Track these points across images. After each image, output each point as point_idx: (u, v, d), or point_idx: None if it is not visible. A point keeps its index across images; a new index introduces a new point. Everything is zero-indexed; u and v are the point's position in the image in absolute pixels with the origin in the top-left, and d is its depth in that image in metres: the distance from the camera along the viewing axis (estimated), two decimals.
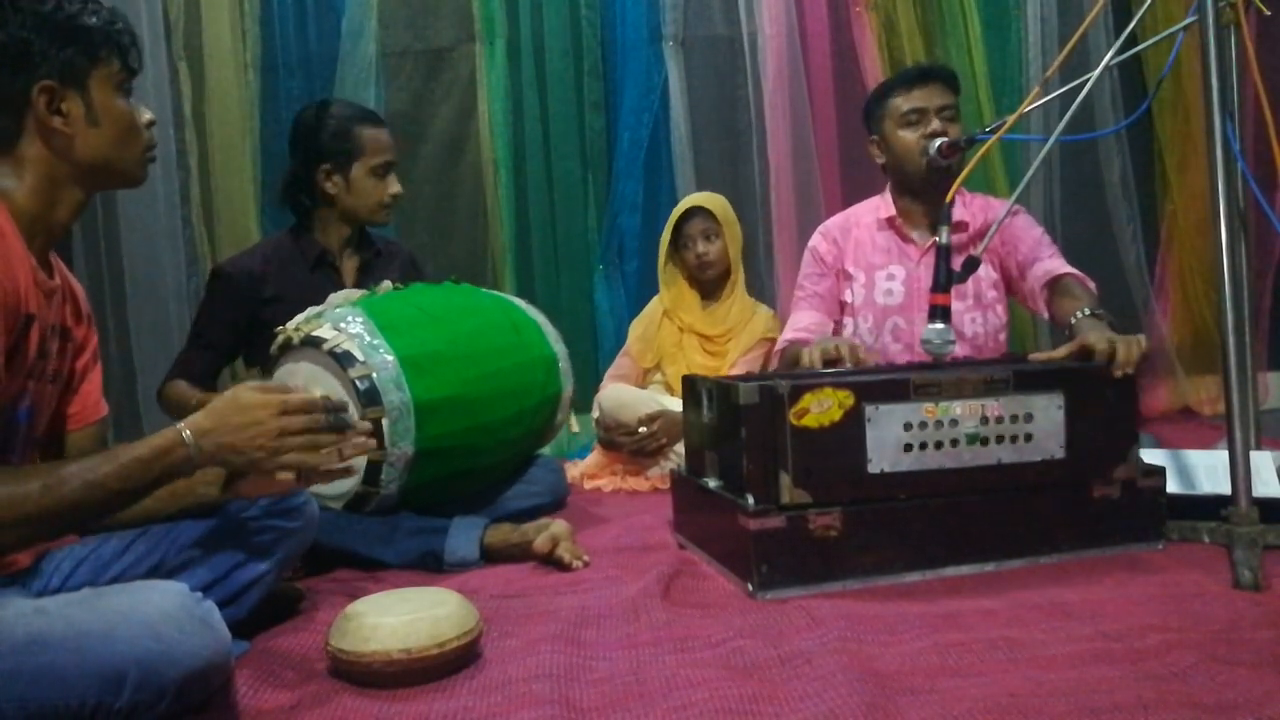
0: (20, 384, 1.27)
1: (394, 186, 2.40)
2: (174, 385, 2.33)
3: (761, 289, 3.28)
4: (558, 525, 1.91)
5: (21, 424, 1.29)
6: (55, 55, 1.26)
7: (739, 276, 2.97)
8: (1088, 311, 1.98)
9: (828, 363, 2.01)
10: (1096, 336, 1.79)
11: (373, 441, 1.43)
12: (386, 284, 2.19)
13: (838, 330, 2.48)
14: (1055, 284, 2.20)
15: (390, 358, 1.90)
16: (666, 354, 2.95)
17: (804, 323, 2.46)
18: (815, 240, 2.53)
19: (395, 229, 3.28)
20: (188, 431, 1.25)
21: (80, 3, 1.30)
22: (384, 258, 2.49)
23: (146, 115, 1.38)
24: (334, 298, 2.08)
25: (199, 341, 2.38)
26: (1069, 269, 2.23)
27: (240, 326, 2.34)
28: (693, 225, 2.89)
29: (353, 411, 1.83)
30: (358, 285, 2.35)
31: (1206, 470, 1.86)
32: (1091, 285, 2.20)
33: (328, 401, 1.35)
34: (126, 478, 1.21)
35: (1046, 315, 2.27)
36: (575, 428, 3.20)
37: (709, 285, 2.97)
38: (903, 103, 2.33)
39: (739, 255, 2.97)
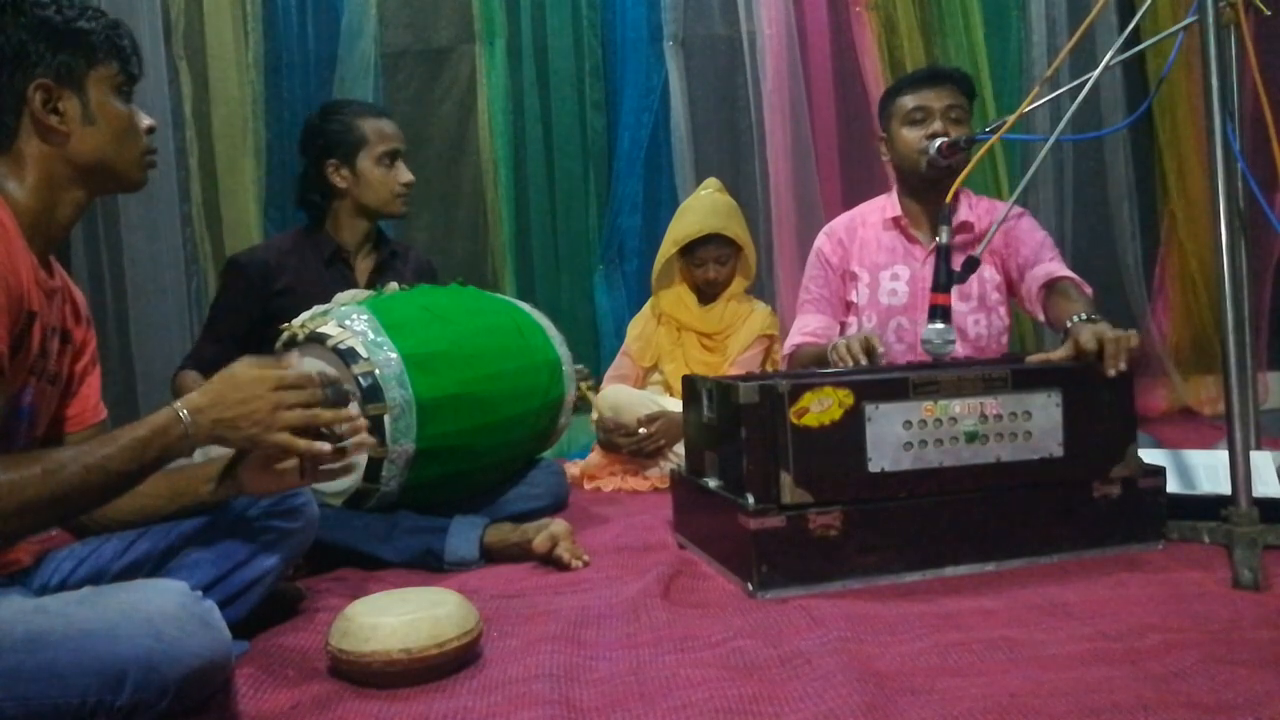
0: (23, 379, 1.27)
1: (404, 175, 2.40)
2: (183, 374, 2.34)
3: (761, 288, 3.28)
4: (557, 525, 1.91)
5: (24, 420, 1.30)
6: (52, 57, 1.27)
7: (747, 279, 2.97)
8: (1084, 316, 1.98)
9: (867, 355, 2.03)
10: (1086, 334, 1.79)
11: (365, 423, 1.42)
12: (393, 285, 2.19)
13: (843, 332, 2.48)
14: (1051, 286, 2.20)
15: (394, 355, 1.90)
16: (665, 352, 2.95)
17: (811, 326, 2.46)
18: (820, 241, 2.53)
19: (395, 227, 3.28)
20: (184, 410, 1.26)
21: (78, 8, 1.30)
22: (399, 259, 2.49)
23: (146, 121, 1.39)
24: (340, 296, 2.09)
25: (211, 332, 2.40)
26: (1067, 272, 2.23)
27: (252, 318, 2.33)
28: (708, 251, 2.87)
29: (353, 409, 1.83)
30: (371, 285, 2.35)
31: (1206, 470, 1.86)
32: (1088, 290, 2.19)
33: (324, 376, 1.35)
34: (125, 459, 1.21)
35: (1042, 318, 2.26)
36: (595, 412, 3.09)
37: (711, 293, 2.97)
38: (909, 101, 2.34)
39: (754, 265, 2.97)
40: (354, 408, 1.43)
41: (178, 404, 1.27)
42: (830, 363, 2.10)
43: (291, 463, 1.36)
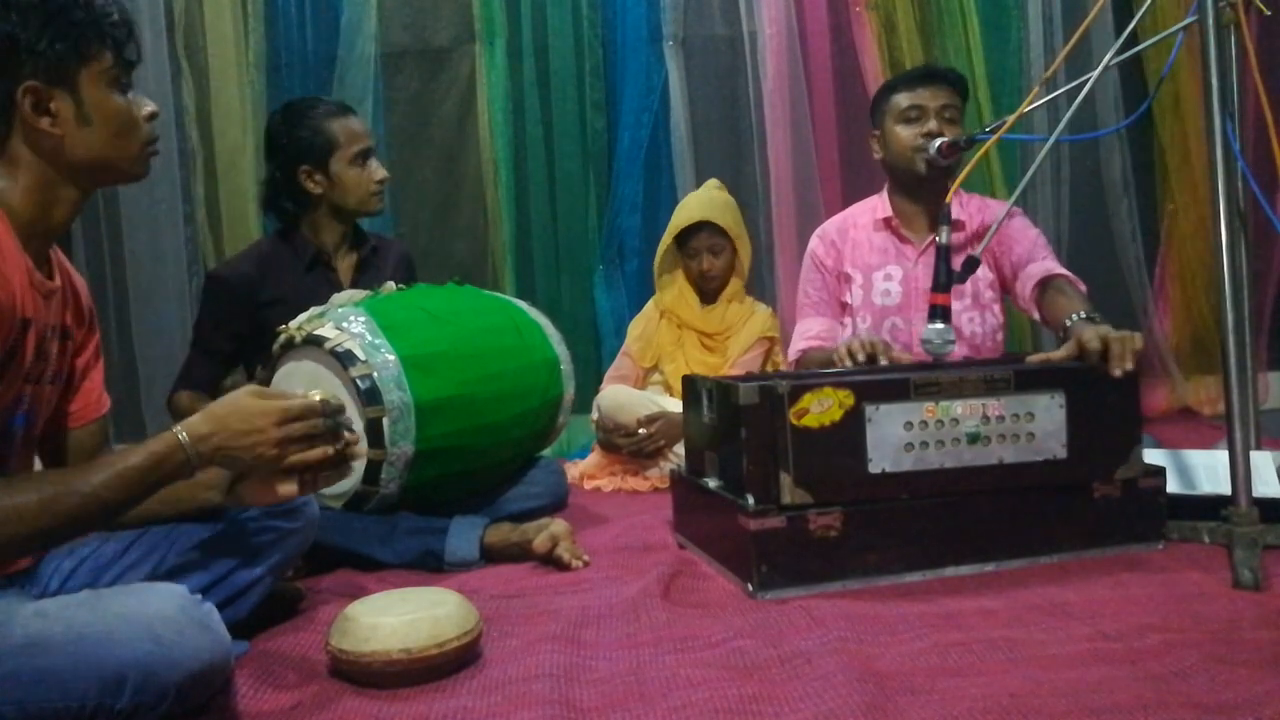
0: (17, 389, 1.25)
1: (379, 172, 2.37)
2: (179, 396, 2.33)
3: (762, 288, 3.28)
4: (557, 525, 1.91)
5: (18, 428, 1.28)
6: (43, 53, 1.22)
7: (741, 280, 2.98)
8: (1083, 315, 1.97)
9: (869, 358, 2.02)
10: (1090, 334, 1.78)
11: (356, 436, 1.42)
12: (390, 285, 2.18)
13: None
14: (1046, 284, 2.19)
15: (392, 357, 1.90)
16: (666, 352, 2.95)
17: (815, 329, 2.46)
18: (813, 244, 2.53)
19: (395, 229, 3.28)
20: (185, 435, 1.24)
21: None
22: (380, 254, 2.47)
23: (148, 108, 1.33)
24: (337, 297, 2.08)
25: (199, 348, 2.37)
26: (1061, 270, 2.22)
27: (239, 332, 2.31)
28: (700, 240, 2.88)
29: (352, 411, 1.83)
30: (355, 283, 2.34)
31: (1206, 470, 1.86)
32: (1082, 287, 2.18)
33: (326, 405, 1.34)
34: (124, 487, 1.20)
35: (1037, 316, 2.26)
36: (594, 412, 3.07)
37: (709, 291, 2.97)
38: (904, 99, 2.33)
39: (748, 264, 2.98)
40: (355, 429, 1.43)
41: (178, 428, 1.25)
42: (835, 365, 2.10)
43: (291, 478, 1.35)
